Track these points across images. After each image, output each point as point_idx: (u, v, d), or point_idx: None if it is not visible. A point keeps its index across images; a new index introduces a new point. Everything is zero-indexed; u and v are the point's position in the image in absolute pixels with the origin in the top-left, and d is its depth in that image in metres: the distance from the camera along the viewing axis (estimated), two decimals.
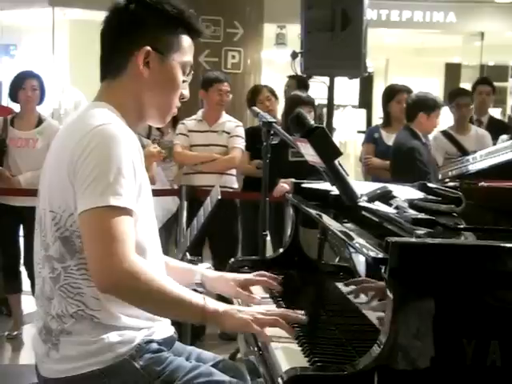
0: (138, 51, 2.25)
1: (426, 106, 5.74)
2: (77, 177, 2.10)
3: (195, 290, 2.66)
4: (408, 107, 5.90)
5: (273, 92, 6.67)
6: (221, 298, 2.49)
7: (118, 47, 2.30)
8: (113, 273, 2.03)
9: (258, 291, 2.74)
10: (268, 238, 4.50)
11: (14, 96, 6.03)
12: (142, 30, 2.27)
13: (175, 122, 6.27)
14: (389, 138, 6.41)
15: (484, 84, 7.34)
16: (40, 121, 6.01)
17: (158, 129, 6.25)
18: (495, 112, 12.06)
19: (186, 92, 2.40)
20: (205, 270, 2.69)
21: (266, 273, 2.72)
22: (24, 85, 5.92)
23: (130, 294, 2.09)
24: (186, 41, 2.33)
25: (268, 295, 2.72)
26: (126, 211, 2.07)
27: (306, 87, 7.36)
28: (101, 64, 2.35)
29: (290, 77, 7.80)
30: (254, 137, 5.90)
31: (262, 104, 6.36)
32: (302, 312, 2.26)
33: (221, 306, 2.19)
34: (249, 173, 6.23)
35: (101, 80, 2.36)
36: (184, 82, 2.36)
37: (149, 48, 2.25)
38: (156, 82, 2.29)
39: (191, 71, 2.38)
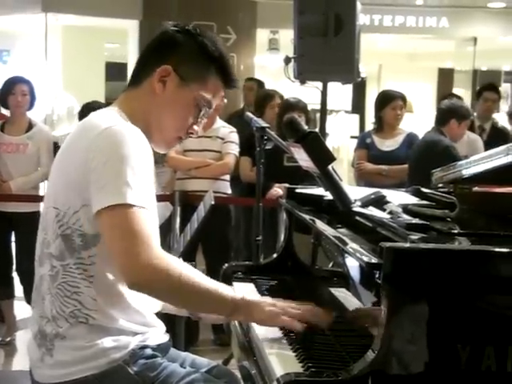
0: (160, 67, 2.28)
1: (459, 113, 5.84)
2: (92, 176, 2.11)
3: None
4: (441, 112, 5.99)
5: (282, 98, 6.67)
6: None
7: (146, 61, 2.35)
8: (143, 269, 2.02)
9: (253, 294, 2.74)
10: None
11: (3, 101, 6.02)
12: (171, 50, 2.31)
13: None
14: (381, 144, 6.42)
15: (491, 91, 7.32)
16: (30, 126, 6.00)
17: None
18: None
19: (198, 128, 2.40)
20: None
21: None
22: (14, 90, 5.92)
23: (160, 289, 2.09)
24: (214, 82, 2.35)
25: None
26: (143, 209, 2.08)
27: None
28: (131, 74, 2.39)
29: (249, 79, 7.79)
30: (253, 143, 5.88)
31: (273, 110, 6.38)
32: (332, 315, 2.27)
33: (250, 298, 2.21)
34: (251, 180, 6.18)
35: (126, 88, 2.39)
36: (198, 119, 2.36)
37: (170, 67, 2.28)
38: (166, 102, 2.30)
39: (205, 111, 2.36)
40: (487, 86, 7.69)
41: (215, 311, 2.37)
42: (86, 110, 5.76)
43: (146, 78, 2.31)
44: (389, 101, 6.44)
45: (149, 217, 2.10)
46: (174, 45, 2.32)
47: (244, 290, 2.70)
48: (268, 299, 2.29)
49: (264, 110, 6.39)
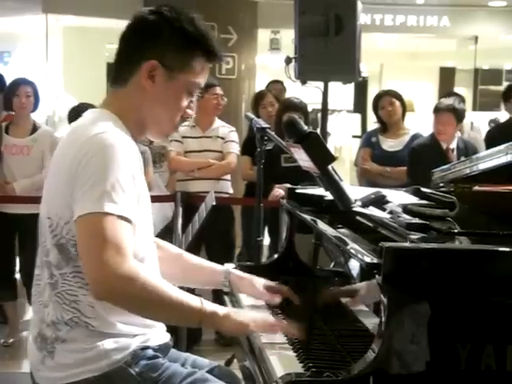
0: (146, 63, 2.24)
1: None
2: (76, 184, 2.09)
3: (216, 292, 2.68)
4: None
5: (277, 97, 6.66)
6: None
7: (128, 56, 2.29)
8: (107, 280, 2.01)
9: (246, 299, 2.74)
10: (266, 243, 4.50)
11: (8, 103, 6.02)
12: (153, 43, 2.25)
13: None
14: (386, 143, 6.43)
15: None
16: (35, 128, 6.00)
17: None
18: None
19: (191, 112, 2.38)
20: (231, 269, 2.67)
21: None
22: (18, 92, 5.91)
23: (125, 301, 2.09)
24: (199, 63, 2.30)
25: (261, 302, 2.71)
26: (121, 218, 2.05)
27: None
28: (113, 70, 2.34)
29: (276, 81, 7.78)
30: (254, 143, 5.89)
31: (265, 109, 6.38)
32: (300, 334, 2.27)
33: (219, 309, 2.20)
34: (251, 179, 6.20)
35: (110, 85, 2.36)
36: (190, 102, 2.33)
37: (156, 62, 2.23)
38: (158, 97, 2.27)
39: (196, 94, 2.35)
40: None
41: (182, 323, 2.40)
42: (74, 113, 5.76)
43: (131, 75, 2.27)
44: (377, 101, 6.51)
45: (126, 227, 2.06)
46: (152, 36, 2.25)
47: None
48: (235, 309, 2.31)
49: (257, 110, 6.40)
